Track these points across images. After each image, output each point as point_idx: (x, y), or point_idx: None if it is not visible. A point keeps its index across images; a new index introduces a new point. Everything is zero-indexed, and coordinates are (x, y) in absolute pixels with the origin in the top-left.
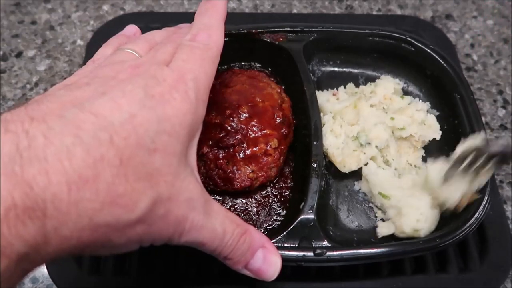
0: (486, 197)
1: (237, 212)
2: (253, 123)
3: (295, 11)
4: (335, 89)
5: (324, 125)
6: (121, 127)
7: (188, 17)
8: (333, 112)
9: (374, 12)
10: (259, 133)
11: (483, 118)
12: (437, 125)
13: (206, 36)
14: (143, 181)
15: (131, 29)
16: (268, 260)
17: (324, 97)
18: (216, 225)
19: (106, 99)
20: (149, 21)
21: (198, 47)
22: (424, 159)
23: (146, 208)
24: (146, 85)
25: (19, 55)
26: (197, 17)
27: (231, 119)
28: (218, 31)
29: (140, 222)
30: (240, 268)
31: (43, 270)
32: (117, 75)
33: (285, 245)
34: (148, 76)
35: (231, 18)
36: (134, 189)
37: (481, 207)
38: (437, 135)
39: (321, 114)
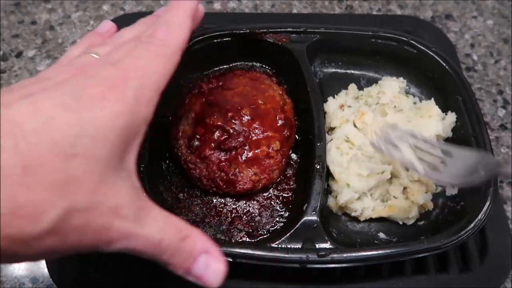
0: (489, 199)
1: (239, 214)
2: (255, 125)
3: (295, 11)
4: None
5: (331, 140)
6: (32, 132)
7: None
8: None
9: (374, 12)
10: (261, 135)
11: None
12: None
13: (165, 32)
14: (53, 190)
15: (106, 25)
16: (210, 266)
17: (331, 107)
18: (152, 232)
19: (26, 103)
20: None
21: (154, 44)
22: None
23: (56, 219)
24: (78, 86)
25: (19, 55)
26: (163, 14)
27: (233, 121)
28: (180, 28)
29: (50, 234)
30: (181, 273)
31: (43, 270)
32: (57, 76)
33: (289, 246)
34: (87, 76)
35: (231, 18)
36: (39, 199)
37: (484, 209)
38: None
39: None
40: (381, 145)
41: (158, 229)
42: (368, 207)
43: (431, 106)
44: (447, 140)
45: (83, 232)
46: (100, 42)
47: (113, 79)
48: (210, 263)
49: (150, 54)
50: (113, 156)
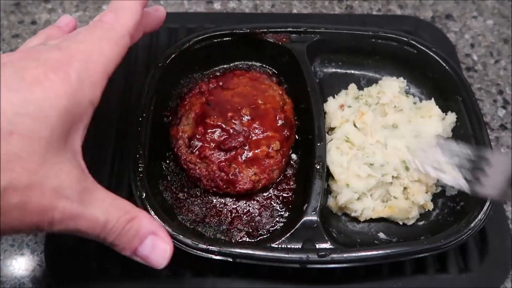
0: (489, 199)
1: (239, 214)
2: (255, 125)
3: (295, 11)
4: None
5: (331, 140)
6: None
7: (188, 17)
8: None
9: (374, 12)
10: (261, 135)
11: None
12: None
13: (113, 17)
14: None
15: (65, 19)
16: (157, 247)
17: (330, 107)
18: (97, 213)
19: None
20: None
21: (100, 27)
22: None
23: None
24: (22, 68)
25: None
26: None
27: (233, 121)
28: (128, 13)
29: None
30: (128, 254)
31: (43, 270)
32: (3, 59)
33: (289, 246)
34: (31, 59)
35: (231, 18)
36: None
37: (484, 209)
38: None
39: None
40: (428, 170)
41: (103, 211)
42: (368, 208)
43: (431, 106)
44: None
45: (23, 211)
46: (58, 35)
47: (56, 61)
48: (157, 244)
49: (95, 37)
50: (55, 136)
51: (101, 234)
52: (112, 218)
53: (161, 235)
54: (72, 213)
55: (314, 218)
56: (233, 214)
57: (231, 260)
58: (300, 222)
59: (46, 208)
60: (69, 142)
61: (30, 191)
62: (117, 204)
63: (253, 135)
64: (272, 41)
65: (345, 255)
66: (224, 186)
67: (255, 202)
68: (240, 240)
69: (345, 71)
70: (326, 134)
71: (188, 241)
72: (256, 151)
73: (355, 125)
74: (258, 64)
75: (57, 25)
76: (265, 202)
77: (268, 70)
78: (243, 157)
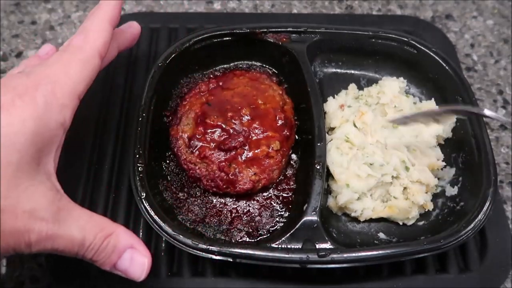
0: (489, 199)
1: (239, 214)
2: (255, 125)
3: (295, 11)
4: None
5: (331, 140)
6: None
7: (188, 17)
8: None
9: (374, 12)
10: (261, 135)
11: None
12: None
13: (81, 38)
14: None
15: (46, 48)
16: (135, 260)
17: (330, 107)
18: (73, 232)
19: None
20: (149, 21)
21: (68, 51)
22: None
23: None
24: None
25: (19, 55)
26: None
27: (233, 121)
28: (96, 33)
29: None
30: (108, 269)
31: (43, 270)
32: None
33: (289, 246)
34: (2, 86)
35: (231, 18)
36: None
37: (484, 209)
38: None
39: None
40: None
41: (80, 229)
42: (368, 208)
43: (431, 106)
44: (447, 140)
45: None
46: (37, 64)
47: (23, 86)
48: (135, 258)
49: (63, 61)
50: (25, 160)
51: (79, 251)
52: (89, 236)
53: (139, 248)
54: (48, 233)
55: (314, 218)
56: (233, 214)
57: (231, 260)
58: (300, 222)
59: (21, 230)
60: (41, 164)
61: (3, 215)
62: (93, 221)
63: (253, 135)
64: (272, 41)
65: (345, 255)
66: (224, 186)
67: (255, 202)
68: (240, 240)
69: (345, 71)
70: (326, 134)
71: (188, 241)
72: (256, 151)
73: (355, 125)
74: (258, 64)
75: (38, 54)
76: (265, 202)
77: (268, 70)
78: (243, 157)
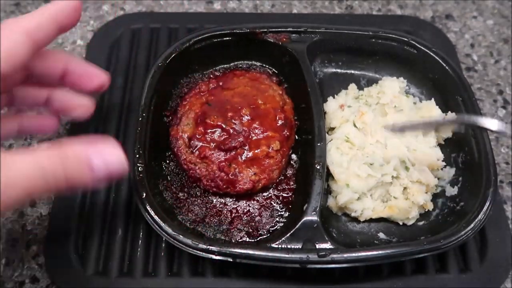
0: (489, 199)
1: (239, 214)
2: (255, 125)
3: (295, 11)
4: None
5: (331, 140)
6: None
7: (188, 17)
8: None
9: (374, 12)
10: (261, 135)
11: None
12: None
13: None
14: None
15: None
16: (104, 153)
17: (330, 107)
18: (29, 168)
19: None
20: (149, 21)
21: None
22: None
23: None
24: None
25: None
26: None
27: (233, 121)
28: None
29: None
30: (94, 183)
31: (44, 270)
32: None
33: (289, 246)
34: None
35: (231, 18)
36: None
37: (484, 209)
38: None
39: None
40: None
41: (34, 163)
42: (368, 208)
43: (431, 106)
44: (447, 140)
45: None
46: None
47: None
48: (102, 152)
49: None
50: None
51: (51, 184)
52: (44, 163)
53: (98, 144)
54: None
55: (314, 218)
56: (233, 214)
57: (231, 260)
58: (300, 222)
59: None
60: None
61: None
62: (41, 152)
63: (253, 135)
64: (272, 41)
65: (345, 255)
66: (224, 186)
67: (255, 202)
68: (240, 240)
69: (345, 71)
70: (326, 134)
71: (188, 241)
72: (256, 151)
73: (355, 125)
74: (258, 64)
75: None
76: (265, 202)
77: (268, 70)
78: (243, 157)
